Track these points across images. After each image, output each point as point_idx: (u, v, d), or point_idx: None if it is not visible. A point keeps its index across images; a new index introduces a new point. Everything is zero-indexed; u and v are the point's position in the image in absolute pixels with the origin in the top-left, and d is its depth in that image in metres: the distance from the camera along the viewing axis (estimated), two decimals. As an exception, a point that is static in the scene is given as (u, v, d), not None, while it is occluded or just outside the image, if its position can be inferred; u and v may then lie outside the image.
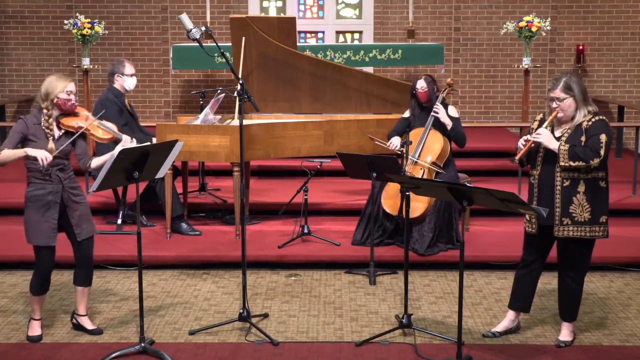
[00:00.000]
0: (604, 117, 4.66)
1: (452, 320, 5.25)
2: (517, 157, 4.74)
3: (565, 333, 4.91)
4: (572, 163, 4.53)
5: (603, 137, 4.54)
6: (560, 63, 10.56)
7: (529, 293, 4.99)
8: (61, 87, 4.74)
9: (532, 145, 4.71)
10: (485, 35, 10.54)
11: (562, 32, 10.51)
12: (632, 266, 6.36)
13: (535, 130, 4.73)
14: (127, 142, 4.96)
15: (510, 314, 5.06)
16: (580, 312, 5.40)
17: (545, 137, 4.63)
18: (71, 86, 4.78)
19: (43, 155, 4.63)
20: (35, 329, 4.99)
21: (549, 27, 9.18)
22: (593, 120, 4.61)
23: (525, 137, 4.74)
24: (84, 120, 4.87)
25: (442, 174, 6.49)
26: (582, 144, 4.57)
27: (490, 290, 5.90)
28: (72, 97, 4.78)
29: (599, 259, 6.34)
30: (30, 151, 4.67)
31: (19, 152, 4.70)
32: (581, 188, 4.61)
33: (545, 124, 4.68)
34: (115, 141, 5.01)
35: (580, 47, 10.38)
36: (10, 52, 10.64)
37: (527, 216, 4.80)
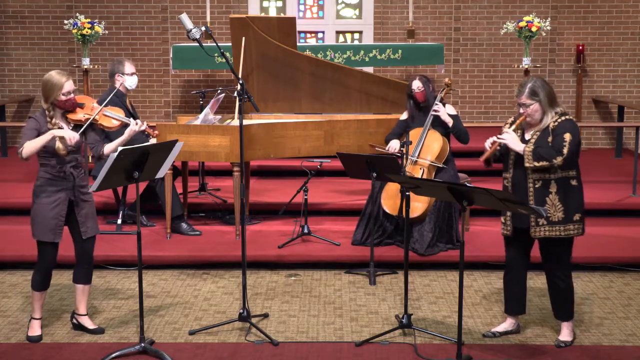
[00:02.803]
0: (571, 117, 4.72)
1: (452, 320, 5.25)
2: (482, 159, 4.79)
3: (565, 333, 4.91)
4: (536, 163, 4.58)
5: (567, 136, 4.59)
6: (560, 63, 10.56)
7: (520, 295, 5.00)
8: (58, 89, 4.71)
9: (499, 147, 4.74)
10: (485, 35, 10.54)
11: (562, 32, 10.51)
12: (632, 266, 6.36)
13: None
14: (137, 125, 4.99)
15: (510, 318, 5.06)
16: (580, 312, 5.41)
17: (510, 139, 4.68)
18: (68, 85, 4.75)
19: (70, 135, 4.69)
20: (35, 329, 4.99)
21: (549, 27, 9.18)
22: (559, 120, 4.67)
23: (492, 138, 4.77)
24: (90, 110, 4.89)
25: (443, 172, 6.49)
26: (550, 144, 4.62)
27: (490, 290, 5.90)
28: (71, 95, 4.78)
29: (598, 259, 6.36)
30: (57, 132, 4.68)
31: (45, 138, 4.66)
32: (553, 188, 4.65)
33: (513, 127, 4.73)
34: (125, 126, 5.03)
35: (580, 47, 10.37)
36: (10, 52, 10.64)
37: (502, 219, 4.83)
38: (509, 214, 4.78)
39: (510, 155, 4.76)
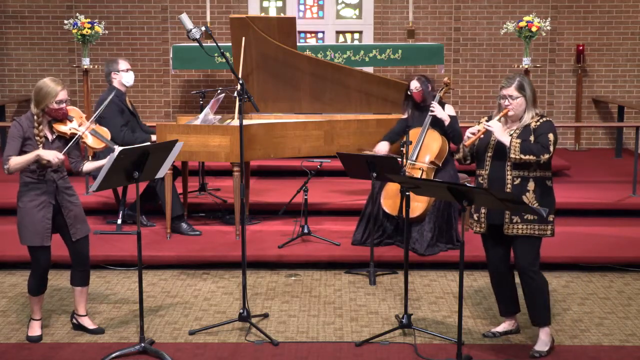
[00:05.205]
0: (551, 119, 4.73)
1: (452, 320, 5.25)
2: (467, 144, 4.72)
3: (541, 342, 4.74)
4: (523, 156, 4.55)
5: (551, 136, 4.60)
6: (560, 63, 10.56)
7: (511, 295, 4.98)
8: (52, 97, 4.68)
9: (482, 135, 4.71)
10: (485, 35, 10.54)
11: (562, 32, 10.51)
12: (632, 266, 6.36)
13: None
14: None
15: (508, 319, 5.05)
16: (580, 312, 5.42)
17: (498, 128, 4.64)
18: (62, 94, 4.72)
19: (54, 156, 4.65)
20: (35, 329, 4.99)
21: (549, 27, 9.18)
22: (541, 121, 4.68)
23: (474, 128, 4.73)
24: (78, 125, 4.85)
25: (442, 172, 6.49)
26: (532, 142, 4.62)
27: (490, 290, 5.87)
28: (63, 105, 4.74)
29: (598, 259, 6.36)
30: (43, 153, 4.66)
31: (31, 156, 4.66)
32: (531, 186, 4.64)
33: (496, 118, 4.70)
34: (108, 149, 4.98)
35: (580, 47, 10.37)
36: (10, 52, 10.64)
37: (475, 216, 4.80)
38: (483, 210, 4.73)
39: (487, 152, 4.74)
